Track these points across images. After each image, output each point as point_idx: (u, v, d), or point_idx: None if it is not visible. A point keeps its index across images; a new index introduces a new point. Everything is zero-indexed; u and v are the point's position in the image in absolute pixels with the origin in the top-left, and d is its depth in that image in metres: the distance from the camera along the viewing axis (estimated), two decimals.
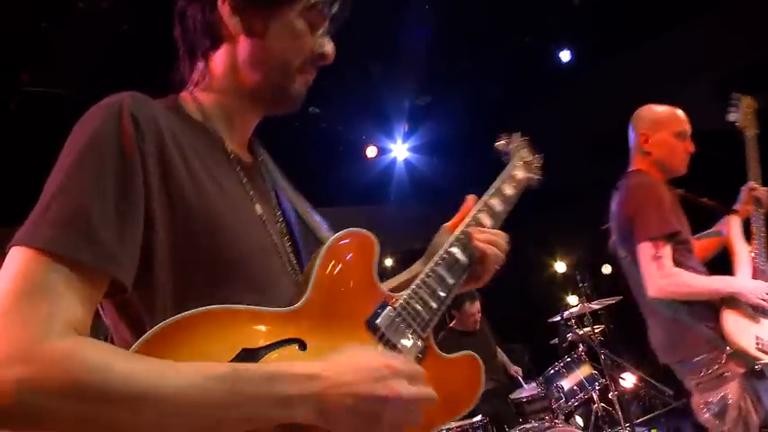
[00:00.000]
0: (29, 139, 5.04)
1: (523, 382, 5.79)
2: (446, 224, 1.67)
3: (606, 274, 8.70)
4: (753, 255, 3.41)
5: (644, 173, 3.45)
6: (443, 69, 7.25)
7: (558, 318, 5.82)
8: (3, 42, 4.43)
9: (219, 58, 1.36)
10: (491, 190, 1.70)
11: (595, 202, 9.12)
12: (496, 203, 1.68)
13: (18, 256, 1.00)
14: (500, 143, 1.92)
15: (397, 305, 1.34)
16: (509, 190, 1.74)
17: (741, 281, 3.23)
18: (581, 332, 5.71)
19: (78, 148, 1.09)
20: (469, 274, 1.56)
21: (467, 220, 1.60)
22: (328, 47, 1.40)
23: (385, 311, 1.31)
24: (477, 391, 1.44)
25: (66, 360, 0.92)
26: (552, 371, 5.46)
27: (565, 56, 7.80)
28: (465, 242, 1.55)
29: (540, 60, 7.79)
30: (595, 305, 5.90)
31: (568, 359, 5.48)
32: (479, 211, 1.63)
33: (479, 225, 1.60)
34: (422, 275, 1.44)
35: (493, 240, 1.56)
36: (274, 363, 1.08)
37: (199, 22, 1.35)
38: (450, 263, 1.49)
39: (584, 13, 6.84)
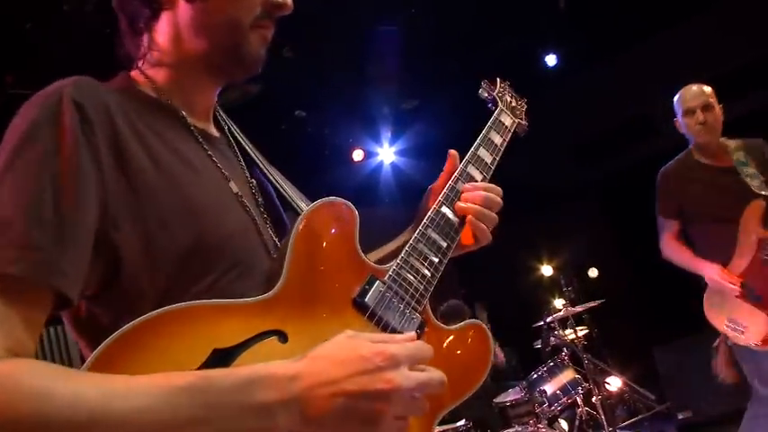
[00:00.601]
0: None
1: (498, 352, 5.78)
2: (432, 185, 1.52)
3: (593, 278, 8.74)
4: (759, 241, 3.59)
5: (681, 157, 4.02)
6: (430, 73, 7.26)
7: (542, 322, 5.83)
8: None
9: (162, 28, 1.22)
10: (478, 140, 1.56)
11: (582, 205, 9.23)
12: (485, 154, 1.53)
13: None
14: (483, 89, 1.79)
15: (386, 278, 1.20)
16: (497, 138, 1.60)
17: (706, 267, 3.67)
18: (565, 336, 5.73)
19: (12, 144, 0.98)
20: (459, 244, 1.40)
21: (455, 174, 1.45)
22: None
23: (374, 287, 1.17)
24: (487, 362, 1.32)
25: (2, 387, 0.81)
26: (535, 375, 5.47)
27: (551, 60, 7.83)
28: (455, 200, 1.40)
29: (527, 64, 7.81)
30: (579, 309, 5.92)
31: (552, 363, 5.50)
32: (467, 163, 1.48)
33: (468, 179, 1.45)
34: (411, 242, 1.28)
35: (483, 197, 1.40)
36: (247, 366, 0.93)
37: None
38: (441, 224, 1.34)
39: (569, 18, 6.87)
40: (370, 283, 1.17)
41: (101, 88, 1.09)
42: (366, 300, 1.14)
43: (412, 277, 1.23)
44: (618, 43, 7.59)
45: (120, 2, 1.23)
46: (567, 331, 5.81)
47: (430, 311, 1.27)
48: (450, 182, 1.43)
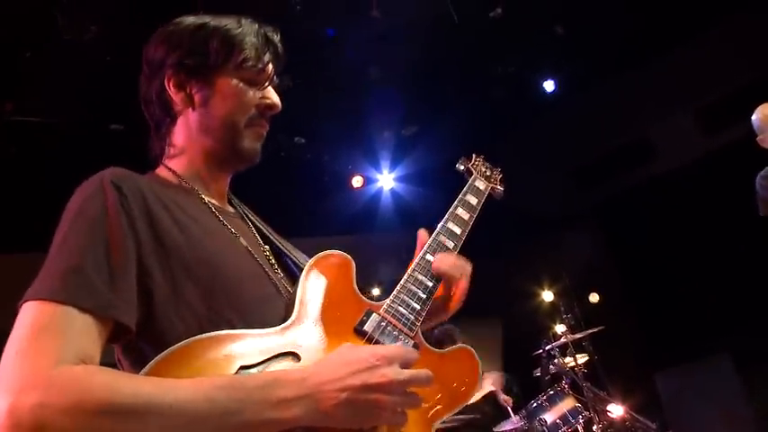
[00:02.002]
0: (12, 167, 5.04)
1: (512, 413, 5.74)
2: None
3: (593, 303, 8.70)
4: None
5: None
6: (429, 99, 7.30)
7: (541, 350, 5.78)
8: None
9: (178, 131, 1.52)
10: (456, 202, 1.78)
11: (581, 230, 9.20)
12: (462, 212, 1.75)
13: (28, 308, 1.12)
14: (459, 163, 2.01)
15: (381, 311, 1.40)
16: (473, 200, 1.82)
17: None
18: (565, 363, 5.67)
19: (71, 216, 1.25)
20: (438, 306, 1.59)
21: (437, 229, 1.66)
22: (273, 97, 1.53)
23: (371, 318, 1.37)
24: (475, 382, 1.47)
25: (75, 381, 1.03)
26: (535, 404, 5.42)
27: (549, 86, 7.87)
28: (437, 250, 1.60)
29: (525, 90, 7.85)
30: (579, 336, 5.87)
31: (551, 392, 5.44)
32: (446, 220, 1.70)
33: (447, 234, 1.65)
34: (402, 282, 1.49)
35: (454, 264, 1.58)
36: (271, 372, 1.17)
37: (155, 103, 1.51)
38: (426, 268, 1.55)
39: (567, 43, 6.91)
40: (368, 315, 1.38)
41: (132, 174, 1.36)
42: (365, 327, 1.35)
43: (403, 309, 1.44)
44: (615, 68, 7.63)
45: (149, 112, 1.54)
46: (567, 359, 5.75)
47: (422, 337, 1.46)
48: (433, 235, 1.65)
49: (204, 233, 1.37)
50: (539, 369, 5.81)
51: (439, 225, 1.68)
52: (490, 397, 6.13)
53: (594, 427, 5.29)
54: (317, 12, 5.41)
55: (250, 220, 1.62)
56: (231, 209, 1.61)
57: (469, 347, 1.51)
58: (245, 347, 1.20)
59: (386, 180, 8.54)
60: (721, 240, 7.62)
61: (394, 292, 1.47)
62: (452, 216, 1.72)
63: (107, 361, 1.15)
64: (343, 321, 1.36)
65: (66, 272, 1.16)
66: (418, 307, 1.46)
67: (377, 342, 1.34)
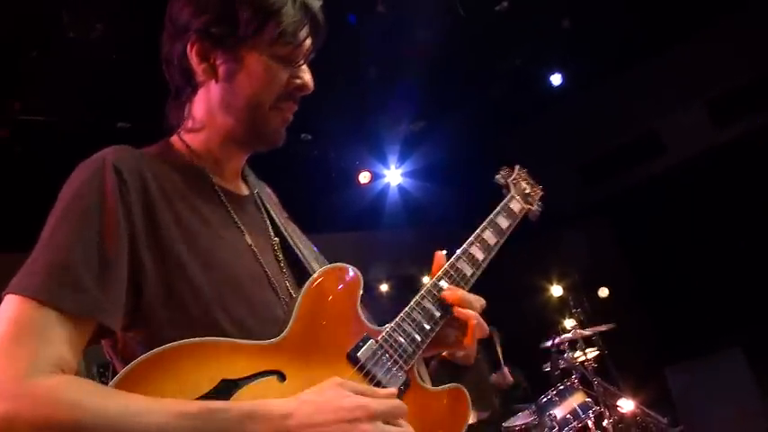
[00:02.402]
0: (21, 167, 5.07)
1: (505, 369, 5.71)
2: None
3: (603, 298, 8.65)
4: None
5: None
6: (436, 94, 7.27)
7: (549, 344, 5.75)
8: None
9: (198, 103, 1.40)
10: (485, 222, 1.66)
11: (590, 225, 9.17)
12: (489, 236, 1.63)
13: (9, 302, 1.07)
14: (499, 176, 1.89)
15: (379, 338, 1.33)
16: (504, 222, 1.70)
17: None
18: (574, 358, 5.64)
19: (64, 204, 1.18)
20: (450, 337, 1.50)
21: (458, 252, 1.56)
22: (305, 77, 1.38)
23: (367, 344, 1.31)
24: (463, 424, 1.40)
25: (46, 397, 0.98)
26: (545, 399, 5.38)
27: (556, 79, 7.82)
28: (454, 277, 1.50)
29: (532, 84, 7.81)
30: (588, 332, 5.84)
31: (561, 387, 5.41)
32: (470, 243, 1.59)
33: (469, 258, 1.55)
34: (407, 309, 1.41)
35: (467, 301, 1.46)
36: (249, 401, 1.10)
37: (176, 68, 1.38)
38: (437, 296, 1.45)
39: (574, 37, 6.87)
40: (365, 341, 1.32)
41: (137, 155, 1.29)
42: (358, 354, 1.29)
43: (403, 340, 1.36)
44: (623, 62, 7.59)
45: (169, 75, 1.41)
46: (577, 353, 5.72)
47: (416, 372, 1.38)
48: (452, 258, 1.54)
49: (206, 230, 1.29)
50: (548, 364, 5.78)
51: (461, 248, 1.56)
52: (499, 391, 6.12)
53: (605, 422, 5.26)
54: (323, 6, 5.39)
55: (264, 206, 1.51)
56: (245, 190, 1.50)
57: (462, 389, 1.42)
58: (231, 359, 1.15)
59: (393, 176, 8.53)
60: (732, 234, 7.58)
61: (397, 319, 1.39)
62: (478, 239, 1.60)
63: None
64: (338, 344, 1.30)
65: (53, 267, 1.10)
66: (419, 339, 1.38)
67: (367, 372, 1.28)
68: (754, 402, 6.19)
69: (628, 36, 7.04)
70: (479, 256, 1.57)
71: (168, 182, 1.29)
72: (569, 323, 7.66)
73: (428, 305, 1.43)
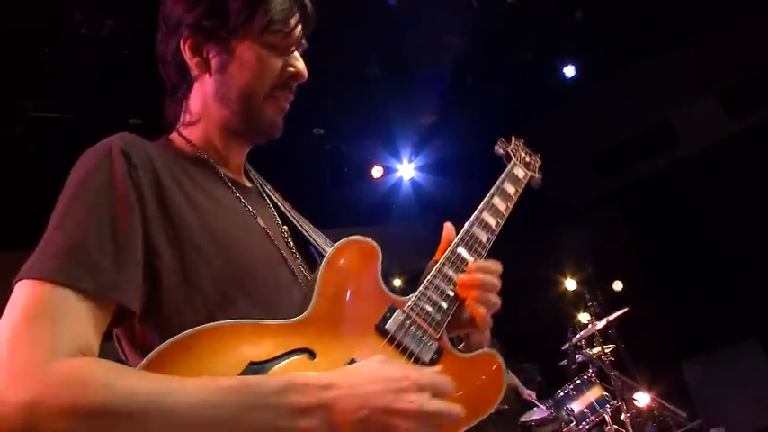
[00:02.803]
0: (33, 164, 5.07)
1: (538, 404, 5.70)
2: (433, 261, 1.52)
3: (617, 291, 8.61)
4: None
5: None
6: (449, 87, 7.24)
7: (567, 344, 5.73)
8: (6, 68, 4.45)
9: (194, 98, 1.40)
10: (492, 189, 1.66)
11: (604, 217, 9.12)
12: (498, 202, 1.63)
13: (23, 288, 1.04)
14: (498, 146, 1.89)
15: (405, 308, 1.30)
16: (510, 188, 1.70)
17: None
18: (591, 353, 5.61)
19: (74, 186, 1.15)
20: (463, 320, 1.44)
21: (471, 219, 1.53)
22: (298, 65, 1.39)
23: (394, 315, 1.27)
24: (499, 390, 1.36)
25: (69, 380, 0.93)
26: (562, 393, 5.36)
27: (569, 71, 7.77)
28: (470, 243, 1.48)
29: (545, 76, 7.77)
30: (604, 322, 5.80)
31: (578, 381, 5.38)
32: (481, 210, 1.57)
33: (483, 224, 1.54)
34: (429, 277, 1.38)
35: (481, 281, 1.40)
36: (286, 373, 1.05)
37: (171, 65, 1.39)
38: (457, 263, 1.43)
39: (587, 29, 6.82)
40: (391, 311, 1.28)
41: (143, 141, 1.27)
42: (387, 326, 1.25)
43: (429, 308, 1.32)
44: (636, 53, 7.53)
45: (165, 73, 1.41)
46: (595, 348, 5.69)
47: (446, 339, 1.34)
48: (466, 225, 1.52)
49: (218, 210, 1.28)
50: (565, 359, 5.76)
51: (473, 215, 1.55)
52: (511, 388, 6.08)
53: (622, 416, 5.23)
54: (338, 2, 5.37)
55: (269, 197, 1.51)
56: (248, 183, 1.50)
57: (495, 353, 1.38)
58: (257, 341, 1.11)
59: (406, 170, 8.50)
60: (747, 225, 7.52)
61: (420, 288, 1.35)
62: (488, 206, 1.59)
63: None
64: (364, 317, 1.25)
65: (67, 249, 1.07)
66: (445, 305, 1.35)
67: (398, 343, 1.24)
68: None
69: (640, 27, 6.99)
70: (492, 222, 1.56)
71: (176, 167, 1.28)
72: (584, 317, 7.64)
73: (450, 272, 1.40)
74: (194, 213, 1.22)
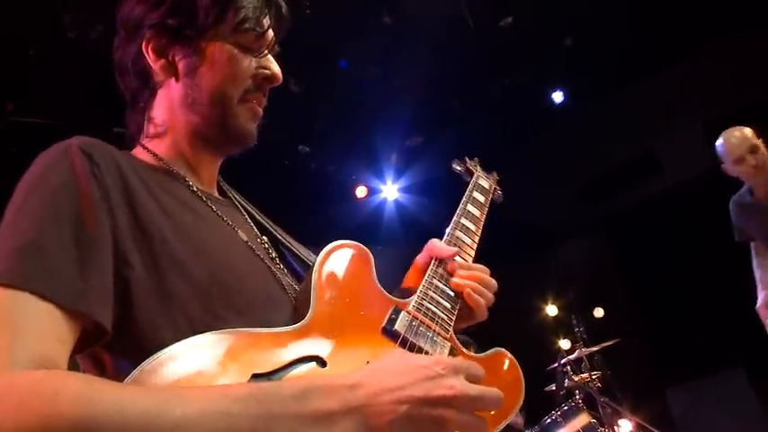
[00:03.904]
0: (13, 170, 4.96)
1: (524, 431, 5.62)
2: (416, 259, 1.49)
3: (598, 318, 8.59)
4: None
5: (742, 193, 4.23)
6: (434, 110, 7.23)
7: (556, 364, 5.68)
8: None
9: (158, 106, 1.28)
10: (464, 198, 1.69)
11: (587, 243, 9.11)
12: (472, 209, 1.65)
13: None
14: (456, 164, 1.92)
15: (410, 308, 1.23)
16: (479, 197, 1.73)
17: (760, 294, 4.11)
18: (578, 378, 5.57)
19: (27, 184, 1.02)
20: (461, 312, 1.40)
21: (452, 225, 1.54)
22: (272, 67, 1.30)
23: (400, 316, 1.19)
24: (520, 388, 1.32)
25: (37, 392, 0.75)
26: (549, 420, 5.26)
27: (558, 97, 7.80)
28: (458, 245, 1.48)
29: (533, 101, 7.79)
30: (595, 348, 5.78)
31: (565, 407, 5.30)
32: (459, 216, 1.58)
33: (463, 230, 1.54)
34: (426, 278, 1.34)
35: (479, 277, 1.40)
36: (302, 377, 0.94)
37: (131, 72, 1.27)
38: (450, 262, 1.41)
39: (577, 55, 6.85)
40: (396, 313, 1.20)
41: (105, 144, 1.13)
42: (396, 327, 1.16)
43: (434, 308, 1.27)
44: (625, 80, 7.58)
45: (124, 84, 1.30)
46: (581, 373, 5.65)
47: (456, 339, 1.28)
48: (448, 230, 1.52)
49: (194, 219, 1.17)
50: (552, 384, 5.71)
51: (452, 222, 1.56)
52: None
53: None
54: (327, 19, 5.35)
55: (244, 209, 1.41)
56: (221, 197, 1.39)
57: (506, 352, 1.36)
58: (258, 351, 0.97)
59: (390, 191, 8.46)
60: (730, 253, 7.52)
61: (420, 289, 1.30)
62: (464, 213, 1.61)
63: None
64: (368, 321, 1.16)
65: (22, 249, 0.91)
66: (449, 305, 1.30)
67: (411, 344, 1.14)
68: (757, 423, 6.14)
69: (631, 54, 7.04)
70: (471, 227, 1.57)
71: (145, 173, 1.16)
72: (565, 343, 7.61)
73: (445, 272, 1.38)
74: (169, 223, 1.10)
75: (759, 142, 3.84)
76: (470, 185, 1.77)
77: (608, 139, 8.13)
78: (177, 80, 1.25)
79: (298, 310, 1.16)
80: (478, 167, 1.92)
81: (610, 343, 5.80)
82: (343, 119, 6.78)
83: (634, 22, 6.60)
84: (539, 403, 6.03)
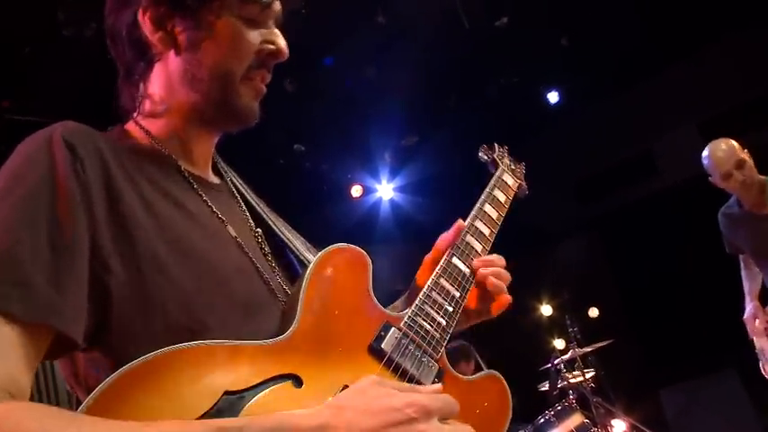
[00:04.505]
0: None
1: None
2: (426, 257, 1.47)
3: (593, 318, 8.59)
4: None
5: (729, 204, 4.31)
6: (430, 109, 7.23)
7: (549, 365, 5.69)
8: None
9: (155, 80, 1.19)
10: (483, 196, 1.58)
11: (582, 243, 9.11)
12: (490, 209, 1.54)
13: None
14: (482, 152, 1.83)
15: (401, 325, 1.16)
16: (501, 196, 1.62)
17: (748, 304, 4.28)
18: (571, 378, 5.57)
19: (6, 177, 0.96)
20: (473, 311, 1.41)
21: (464, 229, 1.44)
22: (278, 41, 1.21)
23: (389, 333, 1.12)
24: (507, 414, 1.26)
25: None
26: (542, 419, 5.26)
27: (553, 97, 7.80)
28: (465, 252, 1.39)
29: (529, 101, 7.79)
30: (588, 349, 5.78)
31: (559, 407, 5.30)
32: (474, 218, 1.49)
33: (476, 232, 1.45)
34: (425, 290, 1.26)
35: (497, 271, 1.38)
36: (266, 415, 0.87)
37: (125, 41, 1.18)
38: (453, 274, 1.33)
39: (573, 55, 6.85)
40: (386, 330, 1.13)
41: (91, 131, 1.07)
42: (383, 346, 1.10)
43: (428, 325, 1.19)
44: (621, 81, 7.59)
45: (117, 52, 1.21)
46: (574, 373, 5.66)
47: (446, 360, 1.22)
48: (460, 235, 1.42)
49: (180, 216, 1.09)
50: (545, 383, 5.72)
51: (466, 223, 1.46)
52: None
53: None
54: (322, 18, 5.34)
55: (240, 194, 1.33)
56: (216, 179, 1.31)
57: (500, 376, 1.29)
58: (232, 365, 0.92)
59: (385, 190, 8.47)
60: (725, 255, 7.54)
61: (416, 302, 1.22)
62: (480, 214, 1.50)
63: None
64: (355, 335, 1.10)
65: None
66: (444, 322, 1.22)
67: (396, 365, 1.08)
68: (750, 424, 6.16)
69: (627, 55, 7.05)
70: (485, 231, 1.48)
71: (129, 161, 1.09)
72: (559, 343, 7.61)
73: (447, 285, 1.29)
74: (152, 221, 1.03)
75: (745, 155, 3.84)
76: (492, 181, 1.66)
77: (604, 140, 8.14)
78: (177, 54, 1.16)
79: (285, 316, 1.09)
80: (506, 158, 1.82)
81: (603, 344, 5.80)
82: (338, 118, 6.77)
83: (631, 22, 6.60)
84: (532, 403, 6.04)
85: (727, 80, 7.36)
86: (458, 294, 1.30)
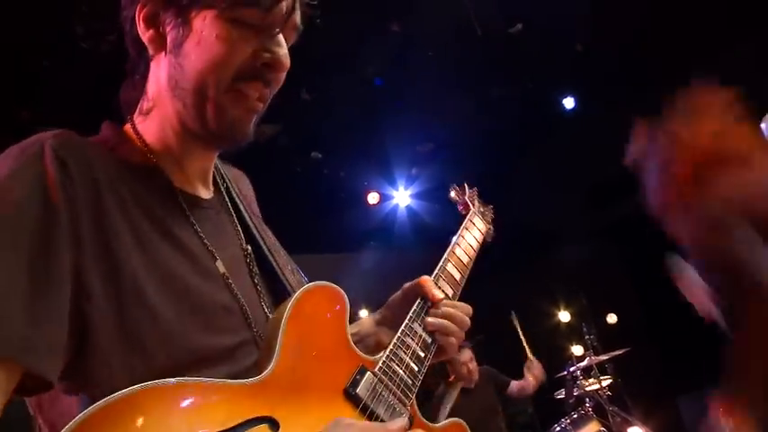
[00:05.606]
0: None
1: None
2: (406, 285, 1.45)
3: (611, 324, 8.54)
4: None
5: None
6: (445, 116, 7.24)
7: (565, 372, 5.66)
8: (4, 79, 4.42)
9: (150, 83, 1.10)
10: (455, 239, 1.59)
11: (599, 249, 9.06)
12: (461, 254, 1.55)
13: None
14: (454, 193, 1.85)
15: (376, 369, 1.15)
16: (472, 241, 1.64)
17: None
18: (588, 386, 5.54)
19: None
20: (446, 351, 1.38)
21: (436, 272, 1.45)
22: (277, 50, 1.06)
23: (365, 378, 1.11)
24: None
25: None
26: (558, 428, 5.27)
27: (569, 102, 7.78)
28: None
29: (544, 107, 7.78)
30: (604, 357, 5.75)
31: (575, 415, 5.28)
32: (446, 261, 1.49)
33: (447, 278, 1.45)
34: (399, 334, 1.25)
35: (451, 314, 1.36)
36: None
37: (129, 41, 1.11)
38: (425, 320, 1.35)
39: (588, 61, 6.84)
40: (362, 374, 1.11)
41: (84, 144, 1.01)
42: (358, 391, 1.09)
43: (401, 371, 1.20)
44: (636, 86, 7.56)
45: (128, 48, 1.14)
46: (591, 380, 5.63)
47: (416, 406, 1.22)
48: (431, 279, 1.43)
49: (168, 246, 1.02)
50: (561, 391, 5.69)
51: (437, 268, 1.47)
52: (506, 415, 5.97)
53: None
54: (338, 26, 5.38)
55: (234, 206, 1.24)
56: (210, 191, 1.21)
57: (463, 423, 1.31)
58: (208, 407, 0.89)
59: (401, 197, 8.48)
60: None
61: (390, 347, 1.22)
62: (452, 257, 1.52)
63: None
64: (332, 378, 1.09)
65: None
66: (416, 368, 1.22)
67: (371, 412, 1.07)
68: None
69: (642, 60, 7.02)
70: (457, 275, 1.49)
71: (121, 180, 1.00)
72: (577, 349, 7.57)
73: (418, 329, 1.31)
74: (139, 248, 0.96)
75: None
76: (464, 225, 1.67)
77: (620, 145, 8.09)
78: (165, 55, 1.06)
79: (263, 354, 1.05)
80: (476, 201, 1.83)
81: (620, 352, 5.77)
82: (355, 125, 6.80)
83: (645, 29, 6.59)
84: (548, 411, 6.02)
85: (742, 88, 7.32)
86: (429, 339, 1.32)
